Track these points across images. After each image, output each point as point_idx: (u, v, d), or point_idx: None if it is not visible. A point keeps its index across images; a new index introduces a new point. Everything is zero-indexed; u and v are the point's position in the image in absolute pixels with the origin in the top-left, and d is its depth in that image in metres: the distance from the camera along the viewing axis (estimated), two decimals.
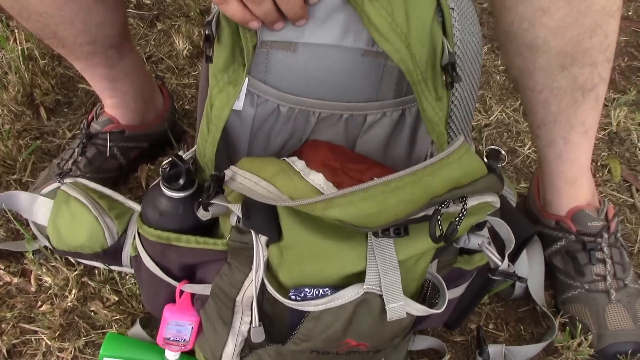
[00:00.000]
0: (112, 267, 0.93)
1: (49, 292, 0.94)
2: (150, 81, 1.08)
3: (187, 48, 1.30)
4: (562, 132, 0.87)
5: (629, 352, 0.87)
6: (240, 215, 0.61)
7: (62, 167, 1.03)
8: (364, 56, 0.65)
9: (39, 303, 0.93)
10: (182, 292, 0.74)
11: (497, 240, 0.70)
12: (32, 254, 0.95)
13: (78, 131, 1.13)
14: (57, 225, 0.90)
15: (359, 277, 0.59)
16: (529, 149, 1.16)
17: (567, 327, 0.91)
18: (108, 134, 1.04)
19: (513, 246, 0.70)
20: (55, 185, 0.93)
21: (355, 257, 0.59)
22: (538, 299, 0.93)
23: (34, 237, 0.97)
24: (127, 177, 1.10)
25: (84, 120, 1.07)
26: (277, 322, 0.65)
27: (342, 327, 0.61)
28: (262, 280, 0.62)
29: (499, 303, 0.96)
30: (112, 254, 0.90)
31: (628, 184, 1.13)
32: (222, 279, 0.68)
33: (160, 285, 0.75)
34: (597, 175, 1.14)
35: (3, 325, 0.91)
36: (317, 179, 0.59)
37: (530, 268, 0.93)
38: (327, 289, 0.60)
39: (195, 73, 1.28)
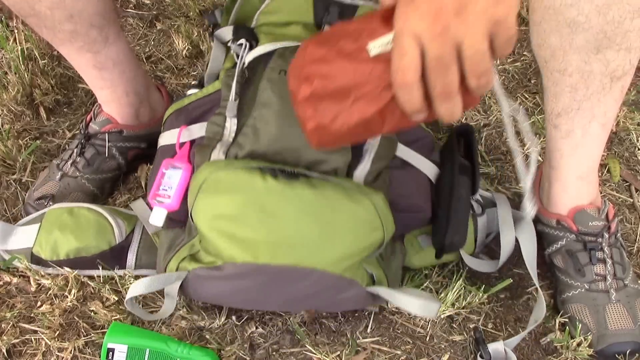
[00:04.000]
0: (114, 272, 0.93)
1: (49, 292, 0.94)
2: (143, 75, 1.06)
3: (186, 48, 1.30)
4: (583, 122, 0.86)
5: (628, 352, 0.87)
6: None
7: (61, 167, 1.03)
8: None
9: (39, 303, 0.93)
10: (181, 146, 0.85)
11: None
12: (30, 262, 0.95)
13: (78, 131, 1.13)
14: (51, 238, 0.91)
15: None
16: (528, 148, 1.16)
17: (567, 327, 0.91)
18: (106, 134, 1.04)
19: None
20: (36, 214, 0.96)
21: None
22: (530, 268, 0.91)
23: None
24: (126, 178, 1.10)
25: (83, 121, 1.07)
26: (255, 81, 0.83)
27: None
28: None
29: (498, 303, 0.96)
30: (119, 252, 0.91)
31: (627, 184, 1.13)
32: (213, 120, 0.82)
33: (169, 153, 0.87)
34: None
35: (3, 325, 0.91)
36: None
37: (522, 245, 0.92)
38: None
39: (194, 73, 1.28)
